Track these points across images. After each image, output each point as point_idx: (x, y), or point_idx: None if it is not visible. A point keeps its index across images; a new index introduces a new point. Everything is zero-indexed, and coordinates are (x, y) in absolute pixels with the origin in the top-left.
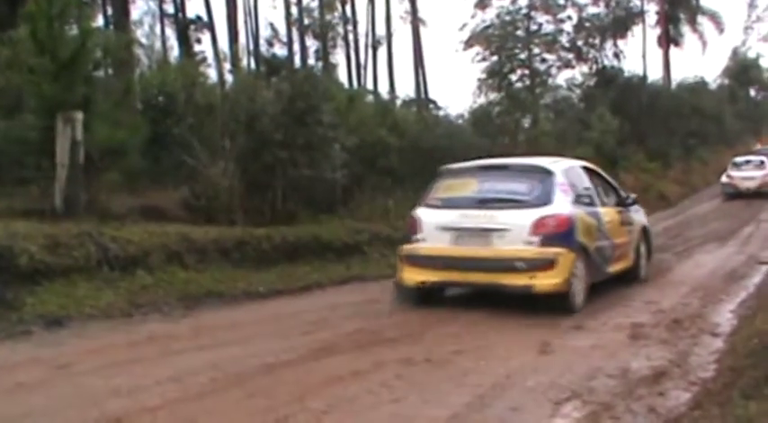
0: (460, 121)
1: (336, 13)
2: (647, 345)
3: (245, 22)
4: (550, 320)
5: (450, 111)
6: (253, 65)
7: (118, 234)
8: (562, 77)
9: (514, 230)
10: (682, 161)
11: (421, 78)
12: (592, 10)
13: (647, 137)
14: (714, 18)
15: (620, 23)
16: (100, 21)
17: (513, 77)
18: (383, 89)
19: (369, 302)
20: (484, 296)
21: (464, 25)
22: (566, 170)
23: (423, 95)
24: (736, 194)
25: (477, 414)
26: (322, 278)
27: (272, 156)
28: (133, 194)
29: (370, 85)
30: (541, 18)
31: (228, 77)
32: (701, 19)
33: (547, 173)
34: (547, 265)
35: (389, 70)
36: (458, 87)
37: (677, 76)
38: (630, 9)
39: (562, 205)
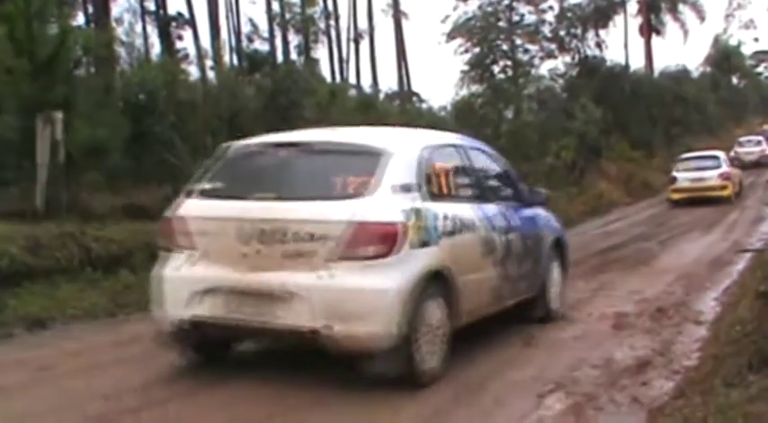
0: (443, 114)
1: (318, 8)
2: (630, 334)
3: (227, 17)
4: None
5: (433, 103)
6: (235, 61)
7: (100, 234)
8: (545, 68)
9: None
10: (665, 149)
11: (404, 71)
12: (573, 0)
13: (630, 126)
14: (695, 6)
15: (602, 13)
16: (80, 19)
17: (496, 69)
18: (366, 83)
19: None
20: None
21: (446, 17)
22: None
23: (406, 88)
24: (741, 166)
25: (461, 408)
26: None
27: None
28: (115, 193)
29: (352, 79)
30: (523, 9)
31: (211, 74)
32: (682, 7)
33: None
34: None
35: (372, 64)
36: (441, 80)
37: (659, 65)
38: None
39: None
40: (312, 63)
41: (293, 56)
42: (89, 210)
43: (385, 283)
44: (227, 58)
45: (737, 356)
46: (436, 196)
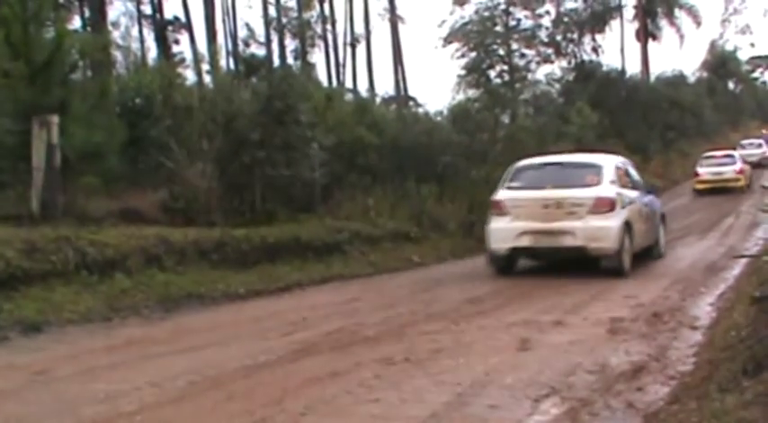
0: (439, 118)
1: (314, 12)
2: (626, 339)
3: (224, 22)
4: (529, 317)
5: (429, 108)
6: (232, 65)
7: (96, 238)
8: (541, 72)
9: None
10: (661, 154)
11: (400, 76)
12: (570, 5)
13: (626, 131)
14: (691, 11)
15: (598, 18)
16: (77, 22)
17: (493, 73)
18: (363, 87)
19: (349, 302)
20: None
21: (443, 22)
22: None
23: (402, 93)
24: None
25: (455, 412)
26: (302, 278)
27: (250, 156)
28: (111, 197)
29: (349, 84)
30: (520, 13)
31: (207, 78)
32: (678, 12)
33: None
34: None
35: (368, 68)
36: (438, 84)
37: (656, 70)
38: (608, 3)
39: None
40: (309, 67)
41: (290, 60)
42: (85, 213)
43: (611, 224)
44: (223, 63)
45: (732, 362)
46: (622, 186)
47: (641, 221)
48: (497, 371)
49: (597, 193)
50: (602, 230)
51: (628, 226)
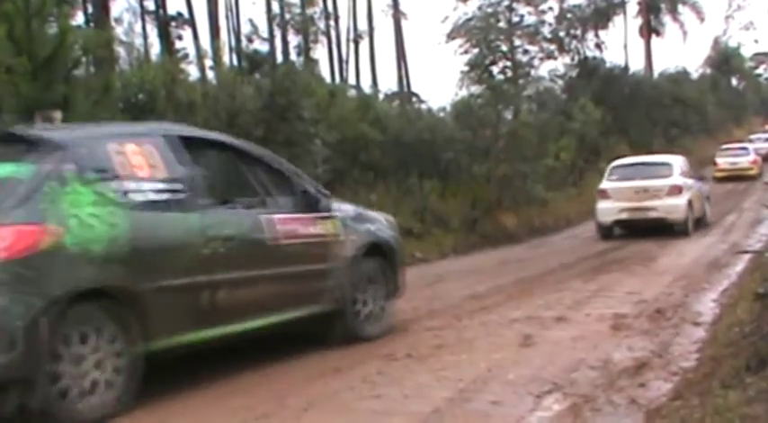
0: (442, 115)
1: (317, 8)
2: (629, 335)
3: (227, 17)
4: (532, 313)
5: (432, 104)
6: (235, 61)
7: None
8: (545, 69)
9: None
10: (664, 151)
11: (403, 72)
12: (573, 1)
13: (629, 127)
14: (695, 7)
15: (602, 14)
16: (80, 18)
17: (495, 69)
18: (366, 83)
19: None
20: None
21: (446, 18)
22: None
23: (405, 89)
24: None
25: (457, 408)
26: None
27: None
28: None
29: (352, 80)
30: (523, 9)
31: (210, 74)
32: (681, 9)
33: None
34: None
35: (372, 64)
36: (442, 80)
37: (659, 67)
38: None
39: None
40: (312, 63)
41: (293, 56)
42: None
43: (681, 202)
44: (226, 59)
45: (735, 358)
46: (685, 177)
47: (697, 200)
48: (500, 367)
49: (671, 182)
50: (675, 207)
51: (690, 203)
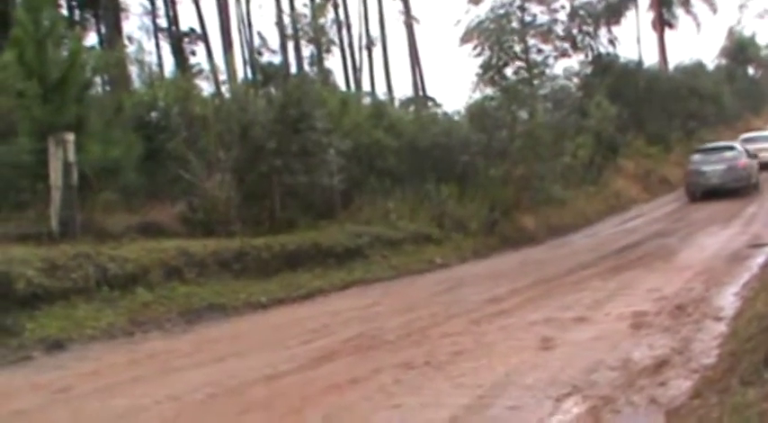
0: (457, 118)
1: (329, 17)
2: (649, 333)
3: (239, 31)
4: (551, 315)
5: (447, 107)
6: (249, 74)
7: (115, 253)
8: (559, 67)
9: None
10: (682, 144)
11: (418, 77)
12: None
13: (646, 122)
14: None
15: (613, 9)
16: (93, 38)
17: (509, 70)
18: (381, 90)
19: (370, 306)
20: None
21: (458, 21)
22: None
23: (420, 93)
24: None
25: (475, 415)
26: (324, 284)
27: (267, 164)
28: (130, 212)
29: (367, 87)
30: (535, 9)
31: (224, 88)
32: (693, 0)
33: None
34: None
35: (386, 70)
36: (457, 82)
37: (673, 60)
38: None
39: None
40: (325, 73)
41: (306, 67)
42: (104, 229)
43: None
44: (240, 72)
45: (754, 353)
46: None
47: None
48: (518, 371)
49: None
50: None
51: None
